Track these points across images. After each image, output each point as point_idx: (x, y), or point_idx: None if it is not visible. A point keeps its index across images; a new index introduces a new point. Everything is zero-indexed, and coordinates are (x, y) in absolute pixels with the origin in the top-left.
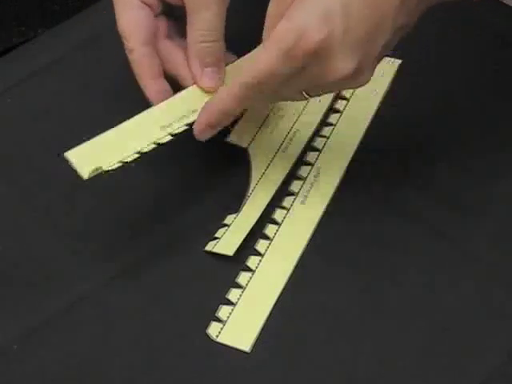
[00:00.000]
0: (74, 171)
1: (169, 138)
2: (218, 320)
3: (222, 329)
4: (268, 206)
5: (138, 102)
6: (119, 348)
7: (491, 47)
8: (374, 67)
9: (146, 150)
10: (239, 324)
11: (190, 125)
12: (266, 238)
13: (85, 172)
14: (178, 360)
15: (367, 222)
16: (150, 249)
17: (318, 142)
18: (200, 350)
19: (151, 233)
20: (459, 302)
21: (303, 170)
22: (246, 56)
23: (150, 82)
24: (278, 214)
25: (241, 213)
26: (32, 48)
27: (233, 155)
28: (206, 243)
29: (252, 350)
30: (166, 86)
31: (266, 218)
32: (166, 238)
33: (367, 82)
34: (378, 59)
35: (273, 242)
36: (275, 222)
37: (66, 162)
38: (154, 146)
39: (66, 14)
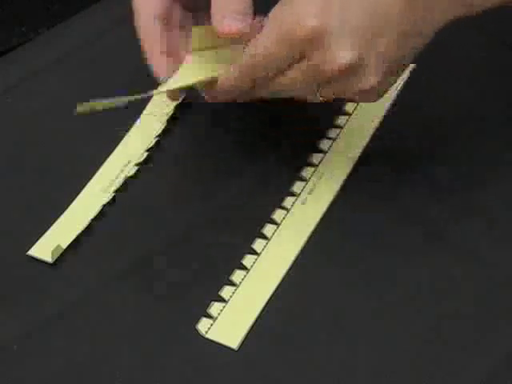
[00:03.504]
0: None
1: (112, 195)
2: (209, 316)
3: (211, 325)
4: (268, 205)
5: (138, 102)
6: (119, 348)
7: (498, 53)
8: (381, 69)
9: (96, 214)
10: (229, 321)
11: (131, 177)
12: (264, 237)
13: (49, 258)
14: (178, 360)
15: (367, 223)
16: (149, 249)
17: (324, 144)
18: (192, 347)
19: (151, 233)
20: (459, 301)
21: (306, 172)
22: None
23: (153, 56)
24: (278, 215)
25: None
26: (32, 48)
27: (232, 155)
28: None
29: (240, 348)
30: (172, 64)
31: (265, 217)
32: (165, 238)
33: (374, 86)
34: (387, 64)
35: (270, 242)
36: (274, 222)
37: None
38: (101, 207)
39: (66, 13)
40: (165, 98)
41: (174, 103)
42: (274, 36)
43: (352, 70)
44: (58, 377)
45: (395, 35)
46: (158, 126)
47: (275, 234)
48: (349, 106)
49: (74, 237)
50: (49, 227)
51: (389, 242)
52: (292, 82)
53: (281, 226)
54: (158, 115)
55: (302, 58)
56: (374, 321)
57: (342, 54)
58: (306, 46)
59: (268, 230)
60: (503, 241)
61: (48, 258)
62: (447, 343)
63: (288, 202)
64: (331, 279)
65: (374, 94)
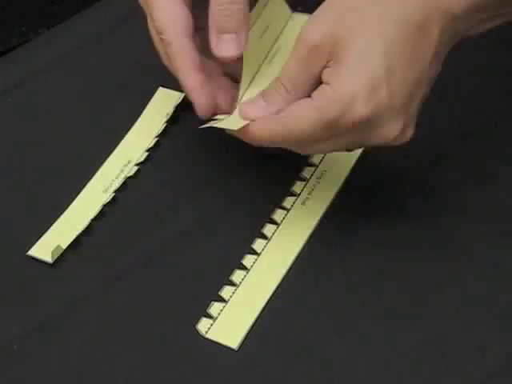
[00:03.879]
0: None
1: (112, 195)
2: (209, 316)
3: (211, 325)
4: (267, 204)
5: (139, 102)
6: (119, 348)
7: (498, 53)
8: (415, 121)
9: (96, 214)
10: (229, 321)
11: (131, 177)
12: (264, 237)
13: (49, 258)
14: (178, 360)
15: (367, 222)
16: (149, 249)
17: None
18: (192, 347)
19: (151, 233)
20: (459, 301)
21: (307, 172)
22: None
23: (190, 74)
24: (278, 215)
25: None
26: (32, 48)
27: (233, 155)
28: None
29: (240, 348)
30: (206, 79)
31: (265, 217)
32: (165, 238)
33: (410, 137)
34: (420, 105)
35: (270, 242)
36: (274, 222)
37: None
38: (101, 207)
39: (66, 14)
40: (165, 98)
41: (174, 103)
42: (319, 121)
43: (397, 138)
44: (58, 377)
45: (428, 86)
46: (158, 126)
47: (275, 233)
48: None
49: (74, 237)
50: (49, 227)
51: (389, 242)
52: (323, 150)
53: (281, 226)
54: (158, 115)
55: (345, 136)
56: (374, 321)
57: (391, 130)
58: (354, 130)
59: (268, 229)
60: (503, 241)
61: (48, 258)
62: (447, 343)
63: (288, 202)
64: (331, 279)
65: (403, 142)
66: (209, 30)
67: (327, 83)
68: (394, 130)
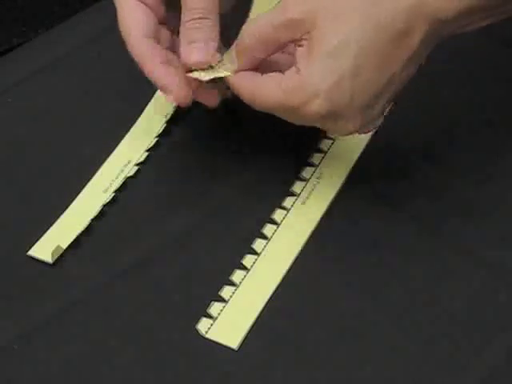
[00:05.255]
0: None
1: (112, 195)
2: (209, 316)
3: (211, 325)
4: (267, 205)
5: (139, 102)
6: (119, 348)
7: (498, 53)
8: (383, 112)
9: (96, 214)
10: (229, 321)
11: (131, 177)
12: (264, 237)
13: (49, 258)
14: (178, 360)
15: (367, 223)
16: (149, 249)
17: (324, 144)
18: (192, 347)
19: (151, 233)
20: (459, 301)
21: (306, 172)
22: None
23: (155, 67)
24: (278, 215)
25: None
26: (32, 48)
27: (232, 155)
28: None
29: (240, 348)
30: (173, 70)
31: (265, 217)
32: (165, 238)
33: (378, 124)
34: (387, 105)
35: (270, 242)
36: (274, 222)
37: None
38: (101, 207)
39: (66, 14)
40: (165, 98)
41: (174, 103)
42: (281, 105)
43: (358, 131)
44: (57, 377)
45: (398, 85)
46: (158, 126)
47: (275, 233)
48: None
49: (74, 237)
50: (49, 227)
51: (389, 242)
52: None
53: (281, 226)
54: (158, 115)
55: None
56: (374, 320)
57: (348, 127)
58: (313, 120)
59: (268, 229)
60: (503, 240)
61: (48, 258)
62: (447, 343)
63: (288, 202)
64: (331, 279)
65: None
66: (180, 41)
67: (298, 68)
68: (349, 127)
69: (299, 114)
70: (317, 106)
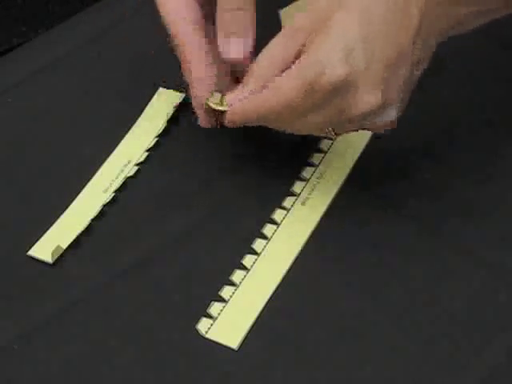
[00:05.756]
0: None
1: (112, 195)
2: (209, 316)
3: (211, 325)
4: (268, 205)
5: (139, 102)
6: (119, 348)
7: (497, 54)
8: (398, 104)
9: (96, 214)
10: (229, 321)
11: (131, 177)
12: (264, 237)
13: (49, 258)
14: (178, 360)
15: (367, 222)
16: (149, 249)
17: (324, 144)
18: (192, 347)
19: (151, 233)
20: (459, 301)
21: (306, 172)
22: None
23: (200, 66)
24: (278, 215)
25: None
26: (32, 48)
27: (232, 155)
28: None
29: (240, 348)
30: (216, 72)
31: (265, 217)
32: (165, 238)
33: (394, 120)
34: (402, 97)
35: (270, 242)
36: (274, 222)
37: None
38: (101, 207)
39: (66, 14)
40: (165, 98)
41: (174, 103)
42: (297, 86)
43: (376, 111)
44: (58, 377)
45: (410, 68)
46: (158, 126)
47: (275, 233)
48: None
49: (74, 237)
50: (49, 227)
51: (389, 242)
52: (311, 126)
53: (281, 226)
54: (158, 115)
55: (325, 103)
56: (374, 320)
57: (367, 99)
58: (332, 95)
59: (268, 229)
60: (503, 241)
61: (48, 258)
62: (447, 342)
63: (288, 201)
64: (331, 279)
65: (394, 124)
66: (217, 32)
67: (303, 52)
68: (371, 100)
69: (318, 91)
70: (333, 71)
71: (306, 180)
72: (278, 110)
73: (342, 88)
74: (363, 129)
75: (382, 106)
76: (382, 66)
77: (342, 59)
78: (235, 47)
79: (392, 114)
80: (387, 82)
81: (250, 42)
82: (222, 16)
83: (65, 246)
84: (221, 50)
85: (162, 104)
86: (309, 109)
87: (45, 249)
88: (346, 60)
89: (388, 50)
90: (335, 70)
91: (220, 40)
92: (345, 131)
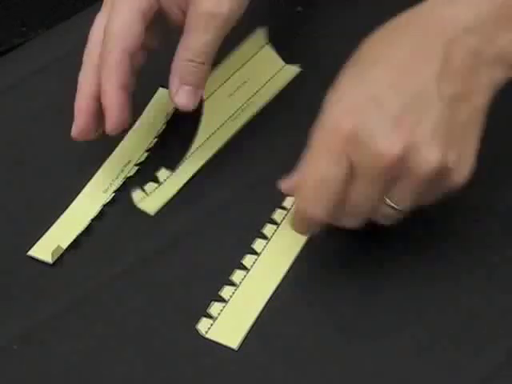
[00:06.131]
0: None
1: (112, 195)
2: (209, 316)
3: (211, 325)
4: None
5: (139, 102)
6: (119, 348)
7: None
8: (443, 147)
9: (96, 214)
10: (229, 321)
11: (131, 177)
12: (264, 237)
13: (49, 258)
14: (178, 360)
15: (367, 222)
16: (149, 249)
17: None
18: (192, 347)
19: (151, 233)
20: (459, 301)
21: None
22: None
23: (115, 92)
24: (278, 215)
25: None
26: (32, 48)
27: (232, 155)
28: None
29: (240, 348)
30: (128, 101)
31: (265, 217)
32: (165, 238)
33: (436, 165)
34: (445, 139)
35: (270, 242)
36: (274, 222)
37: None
38: (101, 207)
39: (66, 14)
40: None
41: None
42: (318, 147)
43: (403, 160)
44: (58, 377)
45: (442, 104)
46: (157, 126)
47: (275, 234)
48: None
49: (74, 237)
50: (49, 227)
51: (389, 242)
52: (368, 204)
53: (281, 226)
54: (158, 115)
55: (353, 167)
56: (374, 321)
57: (385, 145)
58: (350, 147)
59: (268, 229)
60: (503, 241)
61: (48, 258)
62: (447, 342)
63: (288, 201)
64: (331, 279)
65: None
66: (172, 77)
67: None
68: (387, 145)
69: (335, 148)
70: (349, 123)
71: None
72: (313, 185)
73: (356, 139)
74: None
75: (408, 152)
76: (397, 106)
77: (349, 109)
78: (187, 95)
79: (430, 157)
80: (408, 123)
81: (199, 94)
82: (183, 64)
83: (65, 246)
84: (172, 93)
85: (161, 104)
86: (342, 177)
87: (45, 249)
88: (353, 109)
89: (404, 91)
90: (344, 125)
91: (174, 85)
92: (404, 199)
